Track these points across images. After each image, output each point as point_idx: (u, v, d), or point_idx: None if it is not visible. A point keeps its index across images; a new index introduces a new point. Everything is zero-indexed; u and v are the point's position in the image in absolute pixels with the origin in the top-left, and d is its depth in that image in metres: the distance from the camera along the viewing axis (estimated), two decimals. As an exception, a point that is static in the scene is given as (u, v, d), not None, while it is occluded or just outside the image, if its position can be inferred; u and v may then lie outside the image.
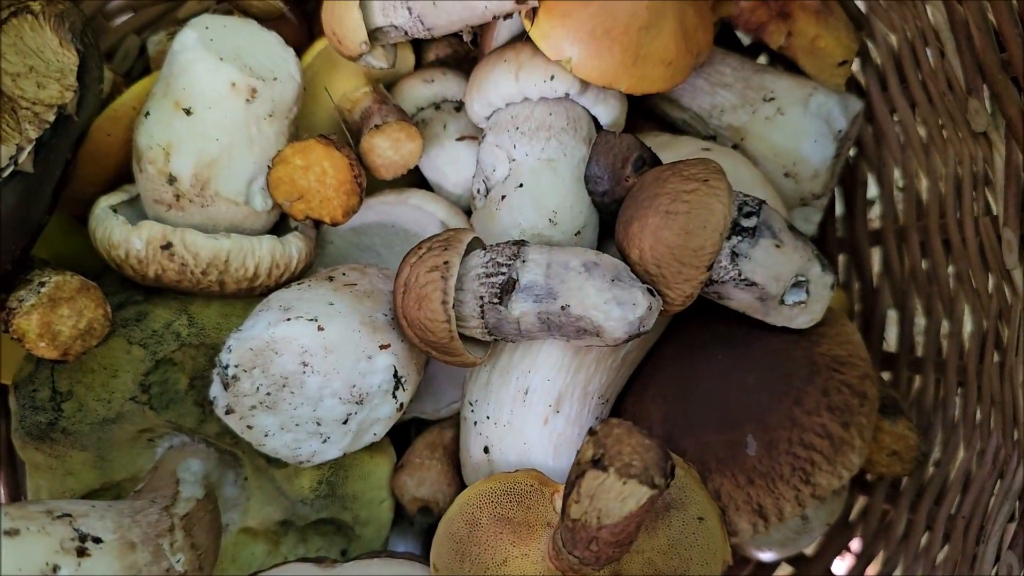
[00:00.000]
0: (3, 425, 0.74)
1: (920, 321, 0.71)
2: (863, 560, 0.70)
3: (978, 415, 0.63)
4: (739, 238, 0.53)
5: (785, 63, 0.67)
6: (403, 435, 0.69)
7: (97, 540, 0.46)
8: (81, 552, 0.45)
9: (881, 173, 0.72)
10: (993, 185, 0.60)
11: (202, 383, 0.62)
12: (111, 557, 0.47)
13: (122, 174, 0.64)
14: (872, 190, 0.75)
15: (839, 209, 0.78)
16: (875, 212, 0.76)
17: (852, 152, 0.73)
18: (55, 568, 0.44)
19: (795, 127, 0.63)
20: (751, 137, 0.64)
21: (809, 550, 0.75)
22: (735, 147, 0.65)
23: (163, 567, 0.50)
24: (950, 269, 0.67)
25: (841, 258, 0.77)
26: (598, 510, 0.45)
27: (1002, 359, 0.61)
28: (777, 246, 0.54)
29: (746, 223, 0.54)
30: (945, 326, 0.68)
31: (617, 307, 0.51)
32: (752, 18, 0.64)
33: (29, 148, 0.49)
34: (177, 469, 0.60)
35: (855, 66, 0.69)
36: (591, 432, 0.45)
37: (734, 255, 0.53)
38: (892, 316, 0.74)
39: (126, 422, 0.62)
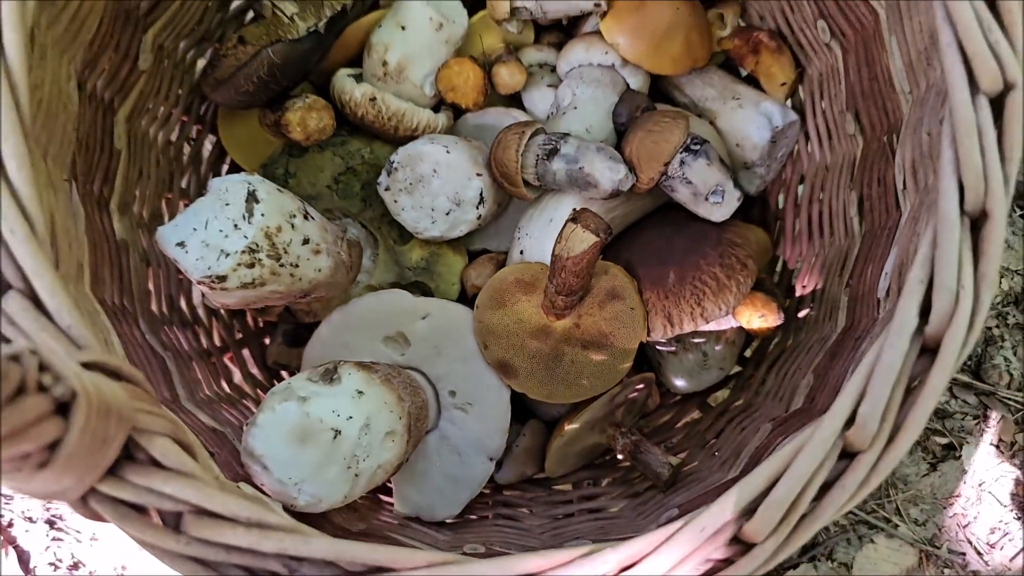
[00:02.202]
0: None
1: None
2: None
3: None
4: (687, 153, 0.94)
5: (751, 81, 1.08)
6: (473, 259, 1.10)
7: (311, 218, 0.89)
8: (306, 216, 0.88)
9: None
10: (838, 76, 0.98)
11: (368, 189, 1.05)
12: (318, 228, 0.89)
13: (352, 62, 1.09)
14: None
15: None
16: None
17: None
18: (292, 215, 0.86)
19: (747, 117, 1.04)
20: (720, 118, 1.05)
21: (712, 402, 1.12)
22: (710, 123, 1.06)
23: (339, 247, 0.92)
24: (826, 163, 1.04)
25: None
26: (568, 248, 0.85)
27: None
28: (708, 165, 0.94)
29: (693, 147, 0.94)
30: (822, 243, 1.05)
31: (609, 171, 0.92)
32: (738, 52, 1.06)
33: (325, 20, 0.94)
34: (346, 230, 1.03)
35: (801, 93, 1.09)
36: (574, 210, 0.86)
37: (682, 162, 0.94)
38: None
39: (320, 200, 1.05)
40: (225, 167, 1.16)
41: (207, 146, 1.14)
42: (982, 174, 0.60)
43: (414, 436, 0.89)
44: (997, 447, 1.25)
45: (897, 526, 1.22)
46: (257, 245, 0.83)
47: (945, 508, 1.23)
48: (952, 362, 0.60)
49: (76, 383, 0.47)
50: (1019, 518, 1.23)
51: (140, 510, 0.56)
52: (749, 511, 0.58)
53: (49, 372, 0.46)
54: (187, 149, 1.09)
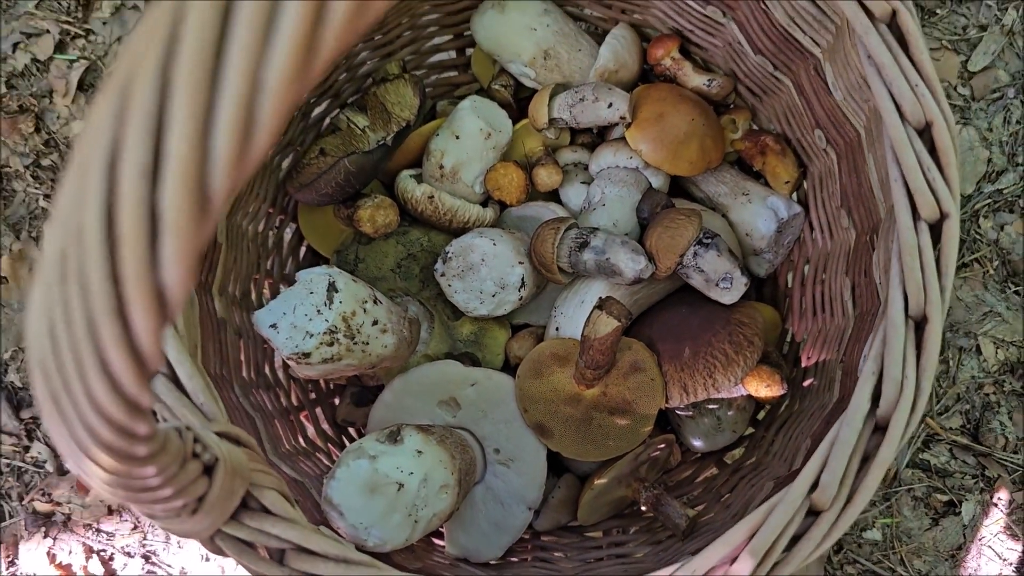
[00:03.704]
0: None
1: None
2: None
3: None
4: (699, 246, 1.09)
5: (759, 177, 1.23)
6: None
7: (379, 302, 1.06)
8: (375, 301, 1.05)
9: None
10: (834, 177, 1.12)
11: (426, 272, 1.22)
12: (385, 311, 1.06)
13: (412, 164, 1.27)
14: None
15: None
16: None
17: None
18: (364, 302, 1.03)
19: (755, 211, 1.19)
20: (731, 211, 1.20)
21: (728, 460, 1.26)
22: (723, 216, 1.22)
23: (402, 325, 1.09)
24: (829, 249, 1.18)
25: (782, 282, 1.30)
26: (595, 330, 1.01)
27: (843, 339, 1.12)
28: (718, 255, 1.09)
29: (705, 240, 1.10)
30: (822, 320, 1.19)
31: (632, 262, 1.08)
32: (747, 152, 1.21)
33: (392, 134, 1.12)
34: (407, 308, 1.20)
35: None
36: (600, 298, 1.02)
37: (695, 254, 1.09)
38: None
39: (384, 282, 1.22)
40: (303, 250, 1.34)
41: (288, 233, 1.32)
42: (922, 287, 0.74)
43: (464, 488, 1.04)
44: (996, 505, 1.36)
45: (902, 576, 1.34)
46: (336, 327, 1.00)
47: (947, 561, 1.35)
48: (898, 438, 0.74)
49: (218, 451, 0.63)
50: (1017, 571, 1.34)
51: (252, 547, 0.72)
52: (732, 558, 0.73)
53: (199, 443, 0.63)
54: (271, 236, 1.28)
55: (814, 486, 0.73)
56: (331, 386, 1.33)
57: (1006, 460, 1.36)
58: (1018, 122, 1.46)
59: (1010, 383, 1.39)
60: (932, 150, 0.77)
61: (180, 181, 0.32)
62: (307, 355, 0.99)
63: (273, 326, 1.01)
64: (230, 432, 0.71)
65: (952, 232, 0.75)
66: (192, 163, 0.32)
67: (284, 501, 0.73)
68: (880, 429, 0.74)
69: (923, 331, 0.75)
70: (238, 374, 1.10)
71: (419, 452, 0.97)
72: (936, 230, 0.76)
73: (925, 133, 0.78)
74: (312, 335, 0.99)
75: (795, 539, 0.73)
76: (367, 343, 1.03)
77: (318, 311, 1.00)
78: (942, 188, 0.75)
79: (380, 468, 0.94)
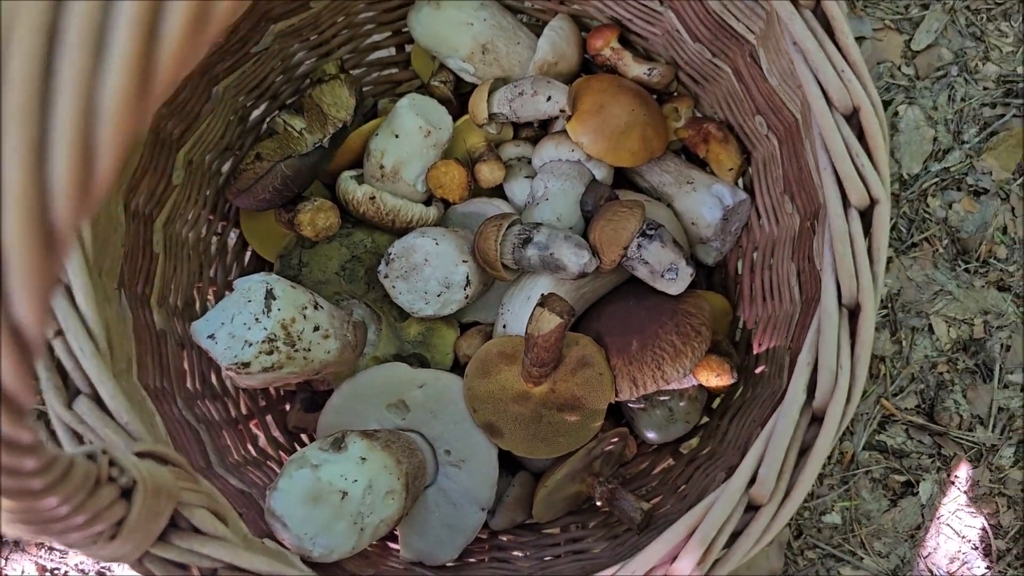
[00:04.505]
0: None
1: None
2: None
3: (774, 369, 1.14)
4: (643, 238, 1.08)
5: (703, 165, 1.23)
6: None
7: (320, 307, 1.04)
8: (316, 306, 1.03)
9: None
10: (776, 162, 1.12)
11: (371, 274, 1.21)
12: (327, 315, 1.04)
13: (354, 164, 1.25)
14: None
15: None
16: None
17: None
18: (304, 307, 1.01)
19: (700, 199, 1.18)
20: (676, 201, 1.20)
21: (684, 450, 1.25)
22: (668, 206, 1.21)
23: (345, 330, 1.07)
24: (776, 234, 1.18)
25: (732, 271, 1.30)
26: (538, 328, 0.99)
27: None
28: (662, 246, 1.09)
29: (649, 232, 1.09)
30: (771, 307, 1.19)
31: (575, 256, 1.07)
32: (691, 140, 1.20)
33: (328, 136, 1.10)
34: (352, 311, 1.18)
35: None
36: (542, 295, 1.00)
37: (639, 245, 1.08)
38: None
39: (329, 285, 1.21)
40: (248, 255, 1.32)
41: (231, 238, 1.30)
42: (854, 274, 0.74)
43: (412, 492, 1.03)
44: (953, 483, 1.37)
45: (862, 559, 1.34)
46: (275, 335, 0.98)
47: (906, 541, 1.35)
48: (835, 428, 0.73)
49: (136, 473, 0.62)
50: (976, 548, 1.35)
51: (184, 568, 0.71)
52: (672, 557, 0.72)
53: (116, 466, 0.61)
54: (214, 242, 1.25)
55: (752, 481, 0.72)
56: (281, 392, 1.31)
57: (961, 438, 1.37)
58: (963, 100, 1.46)
59: (963, 361, 1.40)
60: (860, 136, 0.76)
61: (18, 215, 0.31)
62: (246, 365, 0.98)
63: (211, 336, 0.98)
64: (155, 451, 0.70)
65: (883, 218, 0.75)
66: (29, 195, 0.30)
67: (214, 519, 0.71)
68: (817, 420, 0.74)
69: (856, 319, 0.74)
70: (181, 386, 1.08)
71: (363, 459, 0.96)
72: (867, 217, 0.75)
73: (853, 119, 0.77)
74: (251, 344, 0.97)
75: (735, 535, 0.72)
76: (309, 349, 1.01)
77: (256, 319, 0.98)
78: (871, 174, 0.75)
79: (323, 477, 0.93)
